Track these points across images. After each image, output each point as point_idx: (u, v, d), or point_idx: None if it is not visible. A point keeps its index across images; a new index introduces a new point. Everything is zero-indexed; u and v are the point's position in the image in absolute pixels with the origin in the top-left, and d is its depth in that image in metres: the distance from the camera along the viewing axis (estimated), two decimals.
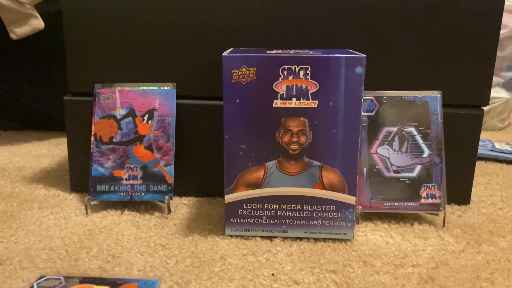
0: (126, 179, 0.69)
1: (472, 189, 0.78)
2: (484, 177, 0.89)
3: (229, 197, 0.60)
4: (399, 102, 0.67)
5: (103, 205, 0.71)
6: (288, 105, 0.57)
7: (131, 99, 0.71)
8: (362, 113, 0.67)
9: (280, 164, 0.59)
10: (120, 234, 0.62)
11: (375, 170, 0.66)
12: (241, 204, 0.60)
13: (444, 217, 0.65)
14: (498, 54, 1.33)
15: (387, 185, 0.66)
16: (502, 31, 1.29)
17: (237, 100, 0.57)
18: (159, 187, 0.69)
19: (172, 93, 0.71)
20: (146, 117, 0.70)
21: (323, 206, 0.60)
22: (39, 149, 1.06)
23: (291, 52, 0.58)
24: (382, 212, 0.68)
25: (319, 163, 0.58)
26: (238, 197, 0.60)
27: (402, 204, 0.66)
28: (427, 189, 0.65)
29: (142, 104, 0.70)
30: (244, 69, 0.56)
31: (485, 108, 1.33)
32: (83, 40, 0.72)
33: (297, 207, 0.60)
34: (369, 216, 0.68)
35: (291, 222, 0.60)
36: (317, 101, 0.56)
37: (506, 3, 1.31)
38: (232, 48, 0.66)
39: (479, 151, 1.01)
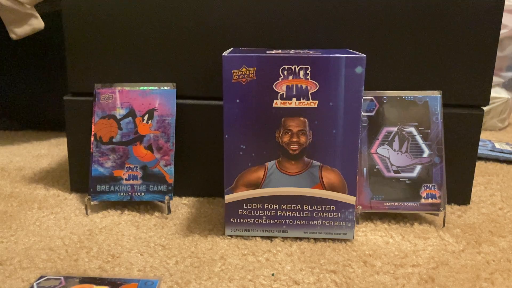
0: (126, 179, 0.69)
1: (472, 189, 0.78)
2: (484, 177, 0.89)
3: (229, 197, 0.60)
4: (399, 102, 0.67)
5: (103, 205, 0.71)
6: (288, 105, 0.57)
7: (131, 99, 0.71)
8: (362, 113, 0.67)
9: (280, 164, 0.59)
10: (120, 234, 0.62)
11: (375, 170, 0.66)
12: (241, 204, 0.60)
13: (444, 217, 0.65)
14: (498, 54, 1.33)
15: (387, 185, 0.66)
16: (502, 31, 1.29)
17: (237, 100, 0.57)
18: (159, 187, 0.69)
19: (172, 93, 0.71)
20: (146, 117, 0.70)
21: (323, 206, 0.60)
22: (39, 149, 1.06)
23: (291, 52, 0.58)
24: (382, 212, 0.68)
25: (319, 163, 0.58)
26: (238, 197, 0.60)
27: (402, 204, 0.66)
28: (427, 189, 0.65)
29: (142, 104, 0.70)
30: (244, 69, 0.56)
31: (485, 108, 1.33)
32: (83, 40, 0.72)
33: (297, 207, 0.60)
34: (369, 216, 0.68)
35: (291, 222, 0.60)
36: (317, 101, 0.56)
37: (506, 3, 1.31)
38: (232, 48, 0.66)
39: (479, 151, 1.01)
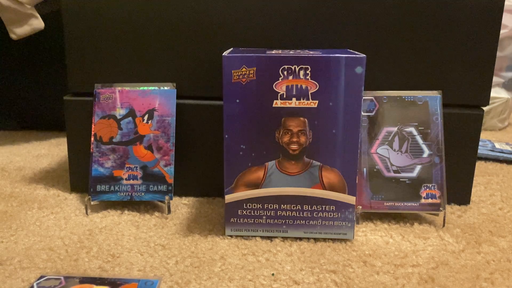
0: (126, 179, 0.69)
1: (472, 189, 0.78)
2: (484, 177, 0.89)
3: (229, 197, 0.60)
4: (399, 102, 0.67)
5: (103, 205, 0.71)
6: (288, 105, 0.57)
7: (131, 99, 0.71)
8: (362, 113, 0.67)
9: (280, 164, 0.59)
10: (120, 234, 0.62)
11: (375, 170, 0.66)
12: (241, 204, 0.60)
13: (444, 217, 0.65)
14: (498, 54, 1.33)
15: (387, 185, 0.66)
16: (502, 31, 1.29)
17: (237, 100, 0.57)
18: (159, 187, 0.69)
19: (172, 93, 0.71)
20: (146, 117, 0.70)
21: (323, 206, 0.60)
22: (39, 149, 1.06)
23: (291, 52, 0.58)
24: (382, 212, 0.68)
25: (319, 163, 0.58)
26: (238, 197, 0.60)
27: (402, 204, 0.66)
28: (427, 189, 0.65)
29: (142, 104, 0.70)
30: (244, 69, 0.56)
31: (485, 108, 1.33)
32: (83, 40, 0.72)
33: (297, 207, 0.60)
34: (369, 216, 0.68)
35: (291, 222, 0.60)
36: (317, 101, 0.57)
37: (506, 3, 1.31)
38: (232, 48, 0.66)
39: (479, 151, 1.01)
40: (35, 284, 0.49)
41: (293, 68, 0.56)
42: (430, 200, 0.65)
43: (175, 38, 0.71)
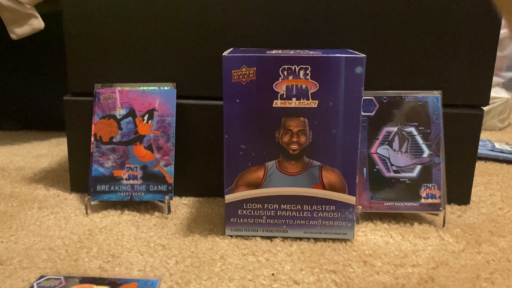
0: (126, 179, 0.69)
1: (472, 189, 0.78)
2: (484, 177, 0.89)
3: (229, 197, 0.60)
4: (399, 102, 0.67)
5: (103, 205, 0.71)
6: (288, 105, 0.57)
7: (131, 99, 0.71)
8: (362, 113, 0.67)
9: (280, 164, 0.59)
10: (120, 234, 0.62)
11: (375, 170, 0.66)
12: (241, 204, 0.60)
13: (444, 217, 0.65)
14: (498, 54, 1.33)
15: (387, 185, 0.66)
16: (502, 31, 1.29)
17: (237, 100, 0.57)
18: (159, 187, 0.69)
19: (172, 93, 0.71)
20: (146, 117, 0.70)
21: (323, 206, 0.60)
22: (39, 149, 1.06)
23: (291, 52, 0.58)
24: (382, 212, 0.68)
25: (319, 163, 0.58)
26: (238, 197, 0.60)
27: (402, 204, 0.66)
28: (427, 189, 0.65)
29: (142, 104, 0.70)
30: (244, 69, 0.56)
31: (485, 108, 1.33)
32: (83, 40, 0.72)
33: (297, 207, 0.60)
34: (369, 216, 0.68)
35: (291, 222, 0.60)
36: (317, 101, 0.57)
37: None
38: (232, 48, 0.66)
39: (479, 151, 1.01)
40: (35, 284, 0.49)
41: (293, 68, 0.56)
42: (430, 200, 0.65)
43: (175, 38, 0.71)
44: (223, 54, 0.56)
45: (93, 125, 0.70)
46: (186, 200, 0.75)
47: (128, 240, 0.60)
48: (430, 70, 0.69)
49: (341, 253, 0.57)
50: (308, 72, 0.56)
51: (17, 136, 1.18)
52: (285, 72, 0.56)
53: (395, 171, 0.66)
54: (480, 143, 1.05)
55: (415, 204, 0.65)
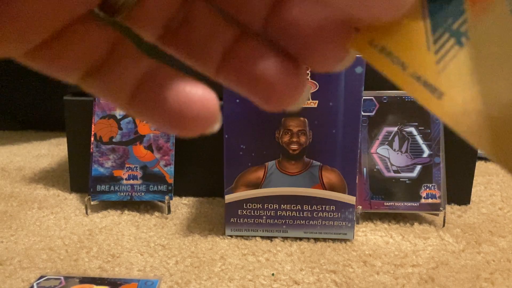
0: (126, 179, 0.69)
1: (472, 189, 0.78)
2: (484, 177, 0.89)
3: (229, 197, 0.60)
4: (399, 102, 0.67)
5: (103, 205, 0.71)
6: None
7: None
8: (362, 113, 0.67)
9: (280, 164, 0.59)
10: (120, 234, 0.62)
11: (375, 170, 0.66)
12: (241, 204, 0.60)
13: (444, 217, 0.65)
14: None
15: (387, 185, 0.66)
16: None
17: (237, 100, 0.57)
18: (159, 187, 0.69)
19: None
20: None
21: (323, 206, 0.60)
22: (39, 149, 1.06)
23: None
24: (382, 212, 0.68)
25: (319, 163, 0.58)
26: (238, 197, 0.60)
27: (402, 204, 0.65)
28: (427, 189, 0.65)
29: None
30: None
31: None
32: None
33: (297, 207, 0.60)
34: (369, 216, 0.68)
35: (291, 222, 0.60)
36: (317, 101, 0.56)
37: None
38: None
39: (479, 151, 1.01)
40: (35, 284, 0.49)
41: None
42: (430, 200, 0.65)
43: None
44: None
45: (93, 125, 0.70)
46: (186, 200, 0.75)
47: (128, 240, 0.60)
48: None
49: (341, 253, 0.57)
50: (308, 72, 0.56)
51: (17, 136, 1.18)
52: None
53: (395, 171, 0.66)
54: None
55: (415, 204, 0.65)
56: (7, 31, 0.15)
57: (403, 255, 0.57)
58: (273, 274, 0.52)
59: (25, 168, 0.91)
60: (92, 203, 0.69)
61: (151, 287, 0.48)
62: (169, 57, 0.22)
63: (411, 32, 0.18)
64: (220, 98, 0.72)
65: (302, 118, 0.57)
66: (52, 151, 1.05)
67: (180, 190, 0.76)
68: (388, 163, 0.66)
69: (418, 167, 0.66)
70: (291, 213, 0.60)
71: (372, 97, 0.67)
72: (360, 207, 0.66)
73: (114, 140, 0.70)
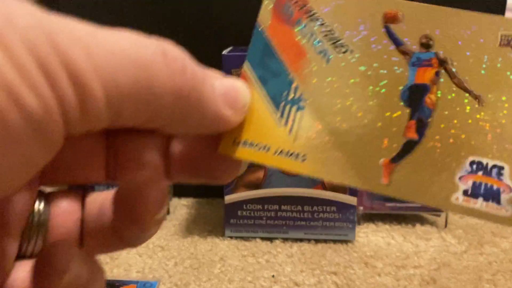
0: None
1: None
2: None
3: (228, 198, 0.60)
4: None
5: None
6: None
7: None
8: None
9: None
10: None
11: None
12: (241, 205, 0.60)
13: (446, 218, 0.64)
14: None
15: None
16: None
17: None
18: None
19: None
20: None
21: (324, 207, 0.59)
22: None
23: None
24: (383, 213, 0.67)
25: None
26: (238, 198, 0.60)
27: (403, 205, 0.65)
28: None
29: None
30: None
31: None
32: None
33: (298, 208, 0.59)
34: (371, 217, 0.68)
35: (291, 223, 0.60)
36: None
37: (508, 2, 1.31)
38: (231, 47, 0.65)
39: None
40: None
41: None
42: None
43: (174, 36, 0.70)
44: (223, 52, 0.56)
45: None
46: (185, 201, 0.74)
47: None
48: None
49: (342, 254, 0.57)
50: None
51: None
52: None
53: None
54: None
55: (417, 205, 0.65)
56: None
57: (405, 256, 0.57)
58: (273, 276, 0.52)
59: None
60: None
61: None
62: None
63: (260, 118, 0.21)
64: None
65: None
66: None
67: (179, 191, 0.75)
68: None
69: None
70: (292, 214, 0.60)
71: None
72: (362, 208, 0.65)
73: None
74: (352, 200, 0.58)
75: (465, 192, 0.19)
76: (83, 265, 0.18)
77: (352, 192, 0.58)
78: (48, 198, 0.21)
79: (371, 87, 0.21)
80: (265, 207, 0.60)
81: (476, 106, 0.20)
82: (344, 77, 0.21)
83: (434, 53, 0.21)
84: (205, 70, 0.20)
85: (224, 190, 0.59)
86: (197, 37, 0.70)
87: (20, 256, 0.20)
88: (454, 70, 0.20)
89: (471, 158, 0.19)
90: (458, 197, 0.19)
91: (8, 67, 0.13)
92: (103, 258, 0.55)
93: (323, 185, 0.58)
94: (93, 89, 0.15)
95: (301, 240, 0.61)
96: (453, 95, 0.20)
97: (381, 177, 0.20)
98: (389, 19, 0.21)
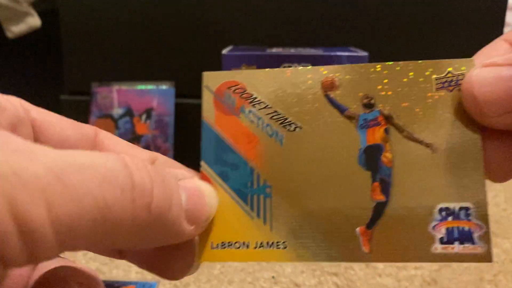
0: None
1: None
2: None
3: None
4: None
5: None
6: None
7: (129, 98, 0.70)
8: None
9: None
10: None
11: None
12: None
13: None
14: None
15: None
16: (505, 30, 1.29)
17: None
18: None
19: (170, 92, 0.70)
20: (144, 117, 0.69)
21: None
22: None
23: (292, 50, 0.58)
24: None
25: None
26: None
27: None
28: None
29: (140, 103, 0.70)
30: (244, 68, 0.55)
31: None
32: (80, 38, 0.71)
33: None
34: None
35: None
36: None
37: (509, 1, 1.31)
38: (231, 46, 0.65)
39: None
40: None
41: (293, 66, 0.55)
42: None
43: (173, 36, 0.70)
44: (223, 52, 0.55)
45: None
46: None
47: None
48: None
49: None
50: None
51: None
52: None
53: None
54: None
55: None
56: None
57: None
58: (273, 277, 0.52)
59: None
60: None
61: None
62: None
63: (232, 216, 0.21)
64: None
65: None
66: None
67: None
68: None
69: None
70: None
71: None
72: None
73: None
74: None
75: (441, 241, 0.20)
76: None
77: None
78: None
79: (328, 159, 0.21)
80: None
81: (430, 153, 0.20)
82: (301, 155, 0.21)
83: (378, 111, 0.21)
84: (171, 184, 0.18)
85: None
86: (197, 37, 0.69)
87: None
88: (400, 124, 0.21)
89: (439, 206, 0.20)
90: (437, 247, 0.20)
91: None
92: (103, 259, 0.55)
93: None
94: (46, 238, 0.14)
95: None
96: (406, 148, 0.20)
97: (361, 246, 0.20)
98: (328, 87, 0.21)
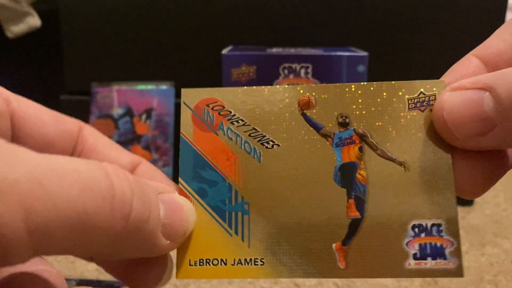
0: None
1: None
2: None
3: None
4: None
5: None
6: None
7: (129, 98, 0.70)
8: None
9: None
10: None
11: None
12: None
13: None
14: None
15: None
16: None
17: None
18: None
19: (170, 92, 0.70)
20: (144, 117, 0.69)
21: None
22: None
23: (292, 50, 0.58)
24: None
25: None
26: None
27: None
28: None
29: (140, 103, 0.70)
30: (244, 68, 0.55)
31: None
32: (80, 38, 0.71)
33: None
34: None
35: None
36: None
37: (510, 1, 1.30)
38: (231, 46, 0.65)
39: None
40: None
41: (293, 66, 0.55)
42: None
43: (173, 36, 0.70)
44: (222, 52, 0.55)
45: None
46: None
47: None
48: (433, 69, 0.69)
49: None
50: (309, 70, 0.55)
51: None
52: (286, 71, 0.55)
53: None
54: None
55: None
56: None
57: None
58: None
59: None
60: None
61: None
62: None
63: (210, 233, 0.21)
64: None
65: None
66: None
67: None
68: None
69: None
70: None
71: None
72: None
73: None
74: None
75: (414, 256, 0.20)
76: None
77: None
78: None
79: (305, 176, 0.21)
80: None
81: (403, 171, 0.21)
82: (278, 172, 0.21)
83: (353, 130, 0.21)
84: (150, 196, 0.18)
85: None
86: (197, 37, 0.69)
87: None
88: (374, 142, 0.21)
89: (412, 222, 0.20)
90: (410, 263, 0.20)
91: None
92: None
93: None
94: (19, 243, 0.14)
95: None
96: (380, 166, 0.21)
97: (337, 262, 0.20)
98: (304, 106, 0.22)
